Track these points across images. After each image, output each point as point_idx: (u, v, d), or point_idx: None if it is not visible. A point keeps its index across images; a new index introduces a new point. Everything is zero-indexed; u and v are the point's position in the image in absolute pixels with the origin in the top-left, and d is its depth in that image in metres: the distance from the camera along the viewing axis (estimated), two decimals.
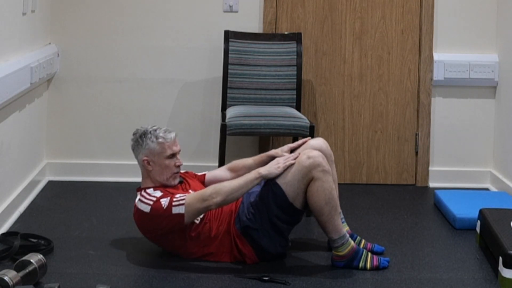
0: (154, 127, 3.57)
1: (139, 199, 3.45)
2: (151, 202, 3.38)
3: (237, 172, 3.66)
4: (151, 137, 3.52)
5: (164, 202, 3.36)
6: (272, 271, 3.34)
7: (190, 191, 3.55)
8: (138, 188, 3.55)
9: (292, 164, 3.39)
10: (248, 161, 3.70)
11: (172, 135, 3.55)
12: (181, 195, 3.39)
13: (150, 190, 3.46)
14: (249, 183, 3.38)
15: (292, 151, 3.61)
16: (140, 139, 3.55)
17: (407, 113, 4.89)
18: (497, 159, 4.84)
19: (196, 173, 3.78)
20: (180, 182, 3.61)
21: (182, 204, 3.33)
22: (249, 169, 3.55)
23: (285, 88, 4.60)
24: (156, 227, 3.40)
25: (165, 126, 3.64)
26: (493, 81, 4.84)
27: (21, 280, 3.03)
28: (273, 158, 3.55)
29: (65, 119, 4.81)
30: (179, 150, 3.58)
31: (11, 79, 3.77)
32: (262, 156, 3.68)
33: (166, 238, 3.44)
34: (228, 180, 3.49)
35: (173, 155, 3.53)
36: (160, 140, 3.52)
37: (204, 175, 3.76)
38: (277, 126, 4.18)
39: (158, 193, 3.42)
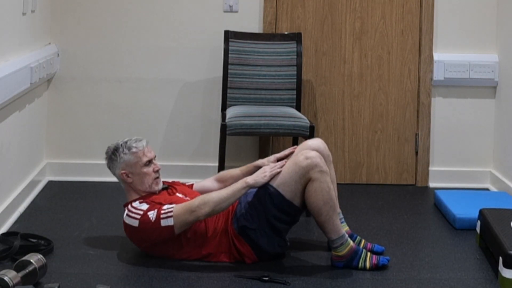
0: (124, 140, 3.57)
1: (127, 214, 3.44)
2: (139, 216, 3.38)
3: (224, 183, 3.67)
4: (123, 150, 3.52)
5: (152, 215, 3.35)
6: (272, 271, 3.34)
7: (177, 194, 3.56)
8: (125, 204, 3.54)
9: (278, 173, 3.40)
10: (236, 171, 3.71)
11: (144, 142, 3.56)
12: (169, 206, 3.38)
13: (136, 204, 3.45)
14: (236, 192, 3.38)
15: (278, 161, 3.61)
16: (113, 155, 3.54)
17: (407, 113, 4.89)
18: (497, 159, 4.84)
19: (184, 183, 3.78)
20: (165, 188, 3.61)
21: (171, 216, 3.33)
22: (236, 179, 3.54)
23: (285, 88, 4.60)
24: (147, 239, 3.40)
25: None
26: (493, 81, 4.84)
27: (21, 280, 3.03)
28: (260, 168, 3.55)
29: (65, 119, 4.81)
30: (155, 156, 3.59)
31: (11, 79, 3.77)
32: (249, 166, 3.68)
33: (163, 247, 3.43)
34: (215, 191, 3.49)
35: (149, 162, 3.53)
36: (133, 150, 3.52)
37: (192, 185, 3.77)
38: (277, 126, 4.18)
39: (145, 206, 3.42)
